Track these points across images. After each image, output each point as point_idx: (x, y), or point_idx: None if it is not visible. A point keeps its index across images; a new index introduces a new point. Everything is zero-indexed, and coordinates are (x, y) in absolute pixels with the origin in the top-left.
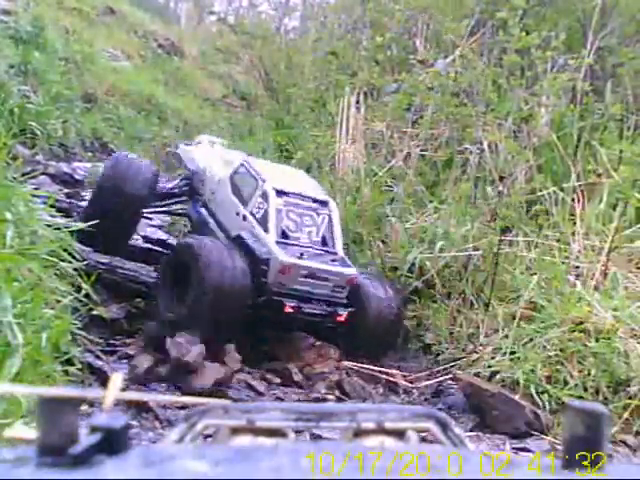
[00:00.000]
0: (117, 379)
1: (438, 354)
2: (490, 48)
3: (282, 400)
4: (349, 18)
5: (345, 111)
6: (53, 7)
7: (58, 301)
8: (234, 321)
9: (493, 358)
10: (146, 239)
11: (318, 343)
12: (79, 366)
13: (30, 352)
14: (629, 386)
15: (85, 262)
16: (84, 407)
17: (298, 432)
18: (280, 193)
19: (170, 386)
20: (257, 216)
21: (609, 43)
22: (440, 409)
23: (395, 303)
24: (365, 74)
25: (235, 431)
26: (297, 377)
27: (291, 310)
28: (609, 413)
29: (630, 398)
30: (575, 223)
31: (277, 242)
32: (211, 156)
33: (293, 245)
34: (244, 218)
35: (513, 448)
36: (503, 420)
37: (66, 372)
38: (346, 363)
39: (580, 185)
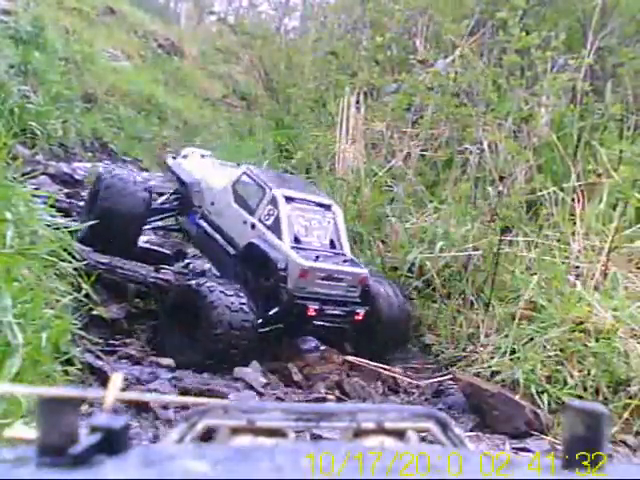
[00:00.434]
0: (117, 379)
1: (438, 354)
2: (490, 48)
3: (282, 400)
4: (349, 18)
5: (345, 111)
6: (53, 7)
7: (58, 301)
8: (248, 350)
9: (493, 358)
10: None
11: (322, 347)
12: (79, 366)
13: (30, 352)
14: (629, 386)
15: (85, 262)
16: (84, 407)
17: (298, 432)
18: (288, 199)
19: None
20: (267, 223)
21: (609, 43)
22: (440, 409)
23: (405, 303)
24: (365, 74)
25: (235, 431)
26: (297, 377)
27: (314, 313)
28: (609, 413)
29: (630, 398)
30: (575, 223)
31: (292, 247)
32: (205, 167)
33: (306, 249)
34: (252, 226)
35: (513, 448)
36: (503, 420)
37: (66, 372)
38: (350, 358)
39: (580, 185)
